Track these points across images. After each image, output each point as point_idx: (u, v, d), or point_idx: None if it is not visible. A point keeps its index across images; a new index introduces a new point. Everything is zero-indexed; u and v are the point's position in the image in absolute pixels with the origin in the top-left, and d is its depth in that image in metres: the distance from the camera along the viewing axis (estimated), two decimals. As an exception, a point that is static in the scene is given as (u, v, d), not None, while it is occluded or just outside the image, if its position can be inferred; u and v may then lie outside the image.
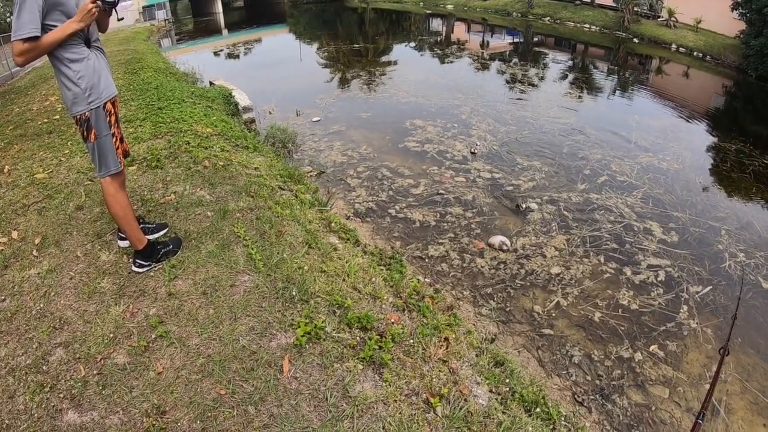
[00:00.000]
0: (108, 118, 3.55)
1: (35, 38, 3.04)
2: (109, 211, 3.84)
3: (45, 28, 3.13)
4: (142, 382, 3.05)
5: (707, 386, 5.02)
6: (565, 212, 8.07)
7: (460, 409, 3.17)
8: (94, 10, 3.21)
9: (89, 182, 5.69)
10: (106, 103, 3.52)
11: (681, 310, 6.04)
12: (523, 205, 8.17)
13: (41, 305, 3.70)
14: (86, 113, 3.44)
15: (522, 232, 7.44)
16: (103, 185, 3.71)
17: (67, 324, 3.52)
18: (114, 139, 3.63)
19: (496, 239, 7.05)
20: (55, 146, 6.98)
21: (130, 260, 4.13)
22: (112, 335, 3.40)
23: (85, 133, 3.53)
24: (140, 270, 4.07)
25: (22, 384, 3.03)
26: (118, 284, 3.92)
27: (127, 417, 2.84)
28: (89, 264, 4.19)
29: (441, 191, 8.73)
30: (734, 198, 9.40)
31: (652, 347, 5.46)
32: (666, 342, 5.56)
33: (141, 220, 4.40)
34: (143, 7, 41.97)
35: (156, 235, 4.49)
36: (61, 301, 3.75)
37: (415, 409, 3.08)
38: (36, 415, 2.84)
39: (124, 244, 4.32)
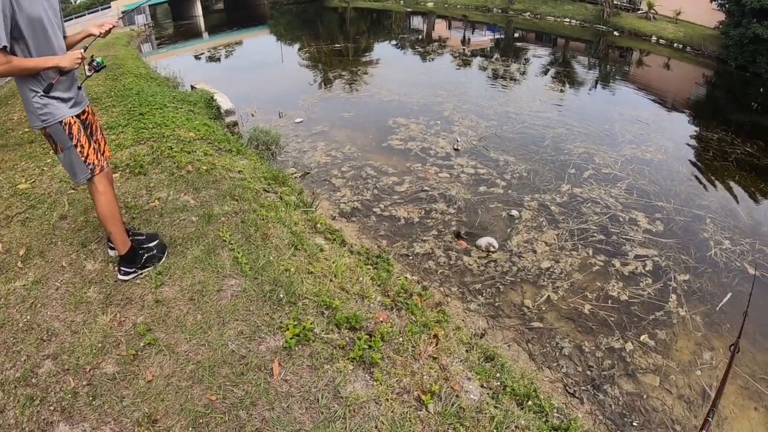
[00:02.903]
0: (68, 131, 3.53)
1: (4, 48, 3.04)
2: (96, 211, 3.85)
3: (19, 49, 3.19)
4: (132, 391, 3.04)
5: (700, 375, 5.07)
6: (552, 206, 8.09)
7: (452, 405, 3.18)
8: (81, 59, 3.38)
9: (72, 191, 5.64)
10: (63, 119, 3.51)
11: (670, 299, 6.09)
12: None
13: (28, 317, 3.67)
14: (45, 129, 3.47)
15: (511, 230, 7.44)
16: (89, 186, 3.75)
17: (55, 335, 3.49)
18: (78, 149, 3.60)
19: (483, 241, 7.02)
20: (37, 156, 6.91)
21: (116, 268, 4.11)
22: (100, 345, 3.37)
23: (53, 146, 3.59)
24: (125, 278, 4.05)
25: (11, 398, 3.00)
26: (105, 293, 3.89)
27: (119, 427, 2.82)
28: (75, 274, 4.15)
29: (425, 188, 8.74)
30: (717, 186, 9.49)
31: (642, 337, 5.50)
32: (655, 331, 5.61)
33: (130, 232, 4.37)
34: (122, 12, 41.69)
35: (148, 245, 4.46)
36: (48, 313, 3.72)
37: (407, 407, 3.09)
38: (27, 428, 2.82)
39: (114, 253, 4.30)
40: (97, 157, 3.73)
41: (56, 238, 4.70)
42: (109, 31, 3.66)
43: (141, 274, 4.11)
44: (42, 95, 3.36)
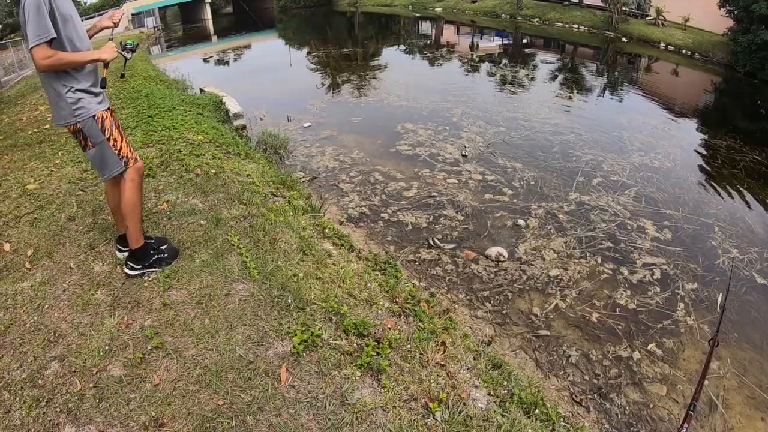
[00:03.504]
0: (100, 125, 3.59)
1: (54, 40, 3.18)
2: (122, 201, 3.86)
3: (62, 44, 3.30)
4: (139, 394, 3.03)
5: (707, 384, 5.03)
6: (560, 215, 8.06)
7: (459, 413, 3.16)
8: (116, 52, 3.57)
9: (81, 192, 5.66)
10: (96, 114, 3.57)
11: (677, 308, 6.04)
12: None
13: (35, 318, 3.67)
14: (77, 125, 3.50)
15: (519, 238, 7.40)
16: (125, 177, 3.79)
17: (62, 337, 3.48)
18: (112, 143, 3.66)
19: (493, 251, 6.93)
20: (46, 156, 6.94)
21: (123, 270, 4.12)
22: (107, 347, 3.37)
23: (82, 142, 3.62)
24: (132, 273, 4.09)
25: (17, 398, 2.99)
26: (113, 295, 3.90)
27: (126, 430, 2.81)
28: (83, 275, 4.16)
29: (434, 193, 8.72)
30: (726, 194, 9.43)
31: (649, 345, 5.46)
32: (663, 339, 5.56)
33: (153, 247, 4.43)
34: (132, 15, 41.91)
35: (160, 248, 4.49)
36: (56, 314, 3.72)
37: (414, 415, 3.07)
38: (33, 430, 2.81)
39: (123, 255, 4.30)
40: (130, 150, 3.80)
41: (64, 239, 4.71)
42: (119, 22, 3.84)
43: (146, 273, 4.13)
44: (76, 90, 3.44)
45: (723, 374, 5.16)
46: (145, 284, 4.02)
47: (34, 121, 9.32)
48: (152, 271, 4.16)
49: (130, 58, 3.80)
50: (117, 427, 2.83)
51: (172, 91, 12.45)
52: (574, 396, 4.78)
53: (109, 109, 3.74)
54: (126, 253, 4.23)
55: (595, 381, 4.99)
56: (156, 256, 4.20)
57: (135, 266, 4.11)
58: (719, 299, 6.15)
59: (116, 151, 3.68)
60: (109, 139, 3.64)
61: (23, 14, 3.13)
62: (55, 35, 3.18)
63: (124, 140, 3.76)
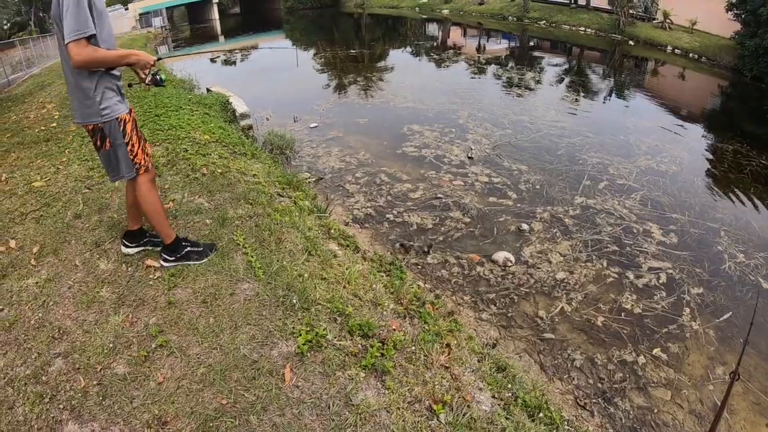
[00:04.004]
0: (122, 127, 3.59)
1: (93, 36, 3.16)
2: (141, 208, 3.93)
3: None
4: (142, 392, 3.02)
5: (712, 390, 5.01)
6: (566, 218, 8.03)
7: (464, 415, 3.14)
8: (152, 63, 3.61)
9: (87, 190, 5.67)
10: (120, 116, 3.58)
11: (683, 313, 6.01)
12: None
13: (40, 315, 3.68)
14: (100, 124, 3.51)
15: (524, 242, 7.37)
16: (136, 184, 3.81)
17: (66, 334, 3.49)
18: (129, 147, 3.66)
19: (500, 256, 6.87)
20: (53, 154, 6.96)
21: (128, 268, 4.16)
22: (111, 345, 3.37)
23: (98, 143, 3.60)
24: (167, 264, 4.17)
25: (21, 395, 3.00)
26: (117, 293, 3.90)
27: (128, 428, 2.81)
28: (88, 273, 4.17)
29: (439, 195, 8.71)
30: (732, 199, 9.38)
31: (654, 350, 5.43)
32: (668, 344, 5.53)
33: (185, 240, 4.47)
34: (140, 14, 42.03)
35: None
36: (60, 311, 3.73)
37: (418, 417, 3.06)
38: (36, 426, 2.81)
39: (129, 251, 4.32)
40: (145, 157, 3.79)
41: (70, 236, 4.73)
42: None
43: (181, 264, 4.19)
44: (105, 89, 3.45)
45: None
46: (150, 282, 4.03)
47: (41, 119, 9.35)
48: (186, 264, 4.20)
49: (145, 85, 3.79)
50: (120, 425, 2.82)
51: (178, 90, 12.46)
52: (578, 400, 4.76)
53: (130, 111, 3.73)
54: (131, 249, 4.32)
55: (600, 385, 4.97)
56: (188, 248, 4.25)
57: (168, 258, 4.17)
58: (724, 317, 6.11)
59: (131, 156, 3.68)
60: (127, 143, 3.64)
61: (59, 8, 3.08)
62: (94, 31, 3.14)
63: (140, 146, 3.75)
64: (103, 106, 3.45)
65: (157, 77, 3.74)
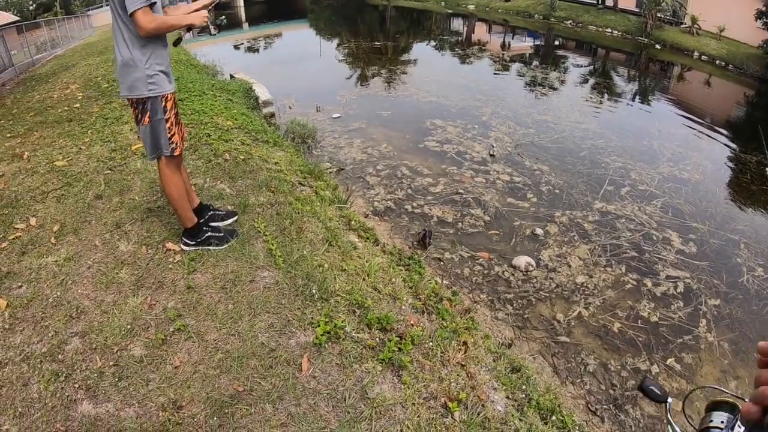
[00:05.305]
0: (164, 104, 3.64)
1: (154, 5, 3.28)
2: (165, 191, 3.94)
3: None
4: (158, 375, 3.03)
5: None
6: (585, 223, 7.96)
7: (478, 414, 3.12)
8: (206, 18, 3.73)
9: (109, 171, 5.69)
10: (164, 93, 3.63)
11: (699, 324, 5.95)
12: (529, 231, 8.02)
13: (58, 293, 3.69)
14: (143, 98, 3.55)
15: (546, 245, 7.31)
16: (159, 165, 3.83)
17: (84, 313, 3.50)
18: (168, 124, 3.69)
19: (521, 260, 6.78)
20: (75, 134, 6.98)
21: (148, 251, 4.17)
22: (129, 327, 3.38)
23: (139, 116, 3.64)
24: (186, 248, 4.19)
25: (36, 372, 3.01)
26: (137, 275, 3.91)
27: (143, 410, 2.81)
28: (108, 253, 4.18)
29: (460, 191, 8.67)
30: (754, 211, 9.28)
31: (669, 360, 5.39)
32: (682, 354, 5.48)
33: (210, 207, 4.60)
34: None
35: (225, 223, 4.61)
36: (79, 290, 3.74)
37: (433, 413, 3.04)
38: (50, 404, 2.82)
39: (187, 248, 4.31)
40: (179, 140, 3.83)
41: (90, 216, 4.74)
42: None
43: (200, 249, 4.21)
44: (155, 65, 3.52)
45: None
46: (170, 266, 4.03)
47: (64, 99, 9.39)
48: (206, 249, 4.22)
49: (216, 34, 3.93)
50: (135, 407, 2.83)
51: (202, 75, 12.49)
52: (589, 405, 4.73)
53: (174, 93, 3.77)
54: (189, 248, 4.30)
55: (612, 392, 4.93)
56: (208, 233, 4.26)
57: (189, 242, 4.19)
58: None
59: (169, 135, 3.71)
60: (167, 120, 3.68)
61: None
62: (154, 0, 3.25)
63: (177, 127, 3.80)
64: (151, 81, 3.50)
65: (218, 21, 3.95)
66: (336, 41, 28.69)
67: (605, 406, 4.75)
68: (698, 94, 20.29)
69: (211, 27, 3.79)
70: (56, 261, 4.06)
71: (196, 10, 3.78)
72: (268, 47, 27.97)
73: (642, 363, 5.30)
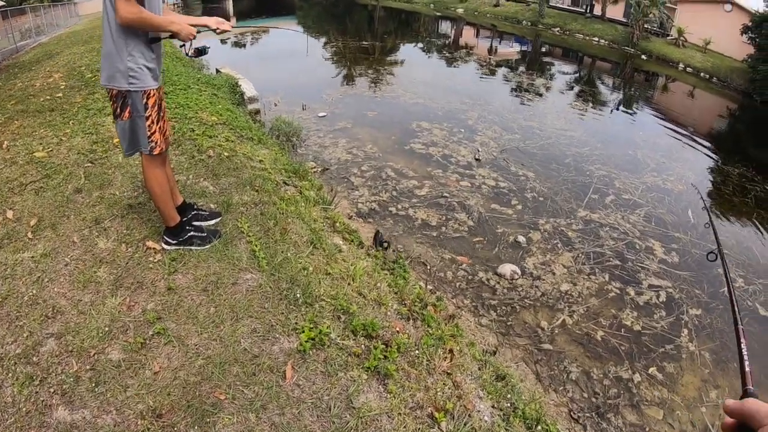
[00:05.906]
0: (145, 101, 3.50)
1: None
2: (147, 188, 3.82)
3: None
4: (137, 381, 2.91)
5: (704, 412, 5.05)
6: (569, 231, 7.96)
7: (465, 425, 3.07)
8: (193, 37, 3.57)
9: (90, 164, 5.55)
10: (146, 89, 3.49)
11: (681, 333, 6.01)
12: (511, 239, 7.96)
13: (34, 291, 3.56)
14: (124, 91, 3.42)
15: (530, 252, 7.30)
16: (142, 160, 3.71)
17: (60, 313, 3.37)
18: (149, 122, 3.57)
19: (507, 268, 6.75)
20: (57, 125, 6.82)
21: (128, 249, 4.05)
22: (107, 329, 3.25)
23: (118, 110, 3.51)
24: (168, 248, 4.07)
25: (10, 374, 2.88)
26: (116, 274, 3.78)
27: (121, 418, 2.70)
28: (86, 251, 4.05)
29: (445, 194, 8.65)
30: (735, 222, 9.37)
31: (650, 369, 5.42)
32: (664, 364, 5.55)
33: (194, 206, 4.50)
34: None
35: (208, 223, 4.49)
36: (55, 289, 3.61)
37: (419, 424, 2.97)
38: (24, 409, 2.69)
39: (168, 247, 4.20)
40: (160, 138, 3.68)
41: (69, 211, 4.60)
42: (223, 32, 3.83)
43: (182, 248, 4.09)
44: (139, 59, 3.38)
45: (721, 404, 5.11)
46: (150, 265, 3.91)
47: (47, 88, 9.20)
48: (188, 249, 4.10)
49: (190, 56, 3.84)
50: (113, 414, 2.72)
51: (187, 69, 12.33)
52: (572, 413, 4.76)
53: (159, 89, 3.64)
54: (170, 247, 4.19)
55: (594, 399, 4.97)
56: (191, 233, 4.15)
57: (170, 241, 4.07)
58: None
59: (149, 132, 3.58)
60: (148, 117, 3.54)
61: None
62: None
63: (158, 125, 3.65)
64: (132, 74, 3.37)
65: (200, 47, 3.80)
66: (323, 39, 28.59)
67: (588, 414, 4.78)
68: (682, 106, 20.50)
69: (191, 48, 3.70)
70: (32, 257, 3.92)
71: (195, 25, 3.66)
72: (254, 43, 27.82)
73: (624, 371, 5.34)
